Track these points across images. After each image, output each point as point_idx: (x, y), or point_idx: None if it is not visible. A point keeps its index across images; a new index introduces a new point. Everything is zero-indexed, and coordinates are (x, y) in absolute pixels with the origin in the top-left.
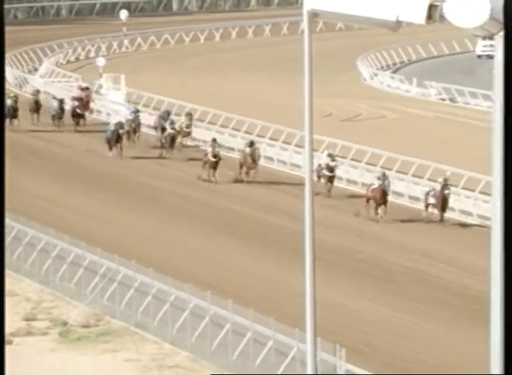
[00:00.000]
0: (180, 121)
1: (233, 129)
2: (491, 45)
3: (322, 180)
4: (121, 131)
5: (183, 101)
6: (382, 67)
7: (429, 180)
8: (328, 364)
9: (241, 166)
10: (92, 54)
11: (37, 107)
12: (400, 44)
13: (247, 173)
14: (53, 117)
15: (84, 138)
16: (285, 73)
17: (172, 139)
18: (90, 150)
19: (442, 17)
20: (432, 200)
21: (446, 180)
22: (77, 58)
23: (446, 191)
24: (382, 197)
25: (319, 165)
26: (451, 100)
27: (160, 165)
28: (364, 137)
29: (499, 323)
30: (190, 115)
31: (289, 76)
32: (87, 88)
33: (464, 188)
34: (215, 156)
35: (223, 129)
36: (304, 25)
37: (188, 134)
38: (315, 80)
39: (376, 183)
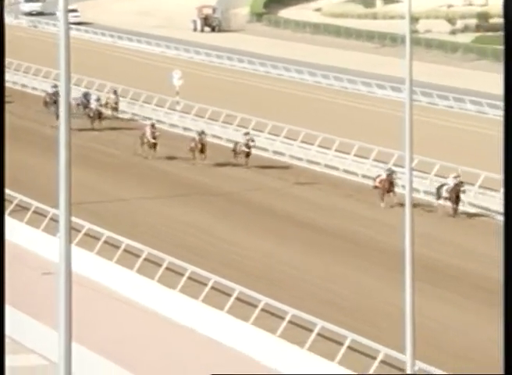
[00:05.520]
0: (108, 97)
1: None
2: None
3: (240, 155)
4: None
5: None
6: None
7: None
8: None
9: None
10: None
11: None
12: None
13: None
14: None
15: None
16: None
17: (99, 113)
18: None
19: None
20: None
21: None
22: None
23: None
24: (389, 186)
25: (237, 142)
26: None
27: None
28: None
29: None
30: (115, 92)
31: None
32: None
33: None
34: (154, 138)
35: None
36: None
37: (116, 109)
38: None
39: (384, 175)
